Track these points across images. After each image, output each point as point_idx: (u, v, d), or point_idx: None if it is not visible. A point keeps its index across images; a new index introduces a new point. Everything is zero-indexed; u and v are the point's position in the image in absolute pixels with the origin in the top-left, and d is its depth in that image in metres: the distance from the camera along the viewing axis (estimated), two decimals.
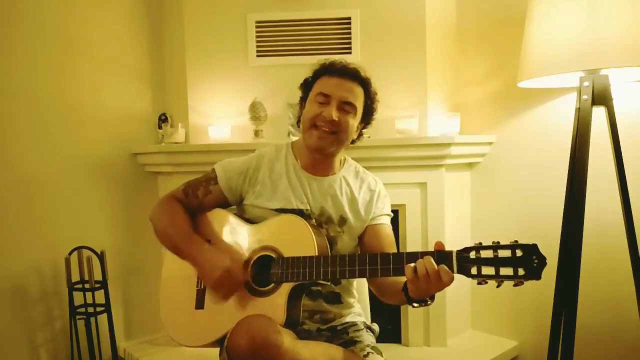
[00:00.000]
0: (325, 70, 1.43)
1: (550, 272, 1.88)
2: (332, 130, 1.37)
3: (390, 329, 2.23)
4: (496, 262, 1.04)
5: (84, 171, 2.23)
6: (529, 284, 2.24)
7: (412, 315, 2.19)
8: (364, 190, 1.48)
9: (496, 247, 1.05)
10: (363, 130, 1.51)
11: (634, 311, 1.71)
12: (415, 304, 1.19)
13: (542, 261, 1.02)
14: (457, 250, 1.09)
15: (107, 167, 2.29)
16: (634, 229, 1.66)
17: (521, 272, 1.03)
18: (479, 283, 1.08)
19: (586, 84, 1.64)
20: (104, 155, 2.28)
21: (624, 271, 1.77)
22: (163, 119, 2.35)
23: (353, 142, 1.49)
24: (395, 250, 1.45)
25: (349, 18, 2.19)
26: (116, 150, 2.31)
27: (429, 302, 1.18)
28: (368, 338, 1.43)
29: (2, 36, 2.01)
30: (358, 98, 1.41)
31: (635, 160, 1.82)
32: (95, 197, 2.26)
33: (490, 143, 2.25)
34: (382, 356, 1.34)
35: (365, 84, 1.43)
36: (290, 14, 2.20)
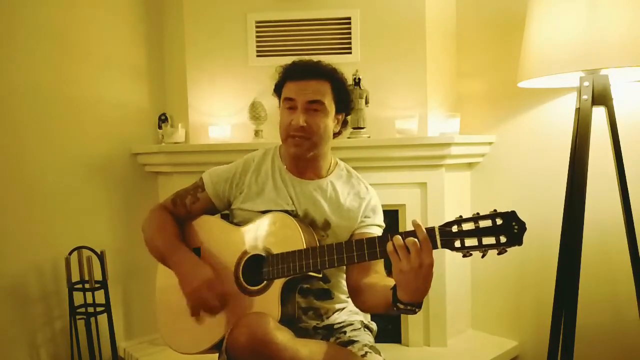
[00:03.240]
0: (288, 75, 1.42)
1: (550, 272, 1.89)
2: (304, 136, 1.37)
3: (390, 328, 2.23)
4: (478, 232, 1.05)
5: (84, 171, 2.23)
6: (529, 284, 2.24)
7: (412, 315, 2.18)
8: (351, 196, 1.46)
9: (476, 218, 1.06)
10: (347, 117, 1.50)
11: (634, 311, 1.71)
12: (400, 305, 1.15)
13: (522, 227, 1.03)
14: (439, 226, 1.09)
15: (107, 167, 2.29)
16: (634, 229, 1.66)
17: (503, 239, 1.04)
18: (464, 255, 1.08)
19: (586, 84, 1.64)
20: (104, 155, 2.28)
21: (624, 271, 1.77)
22: (163, 119, 2.35)
23: (339, 133, 1.48)
24: (383, 265, 1.43)
25: (349, 18, 2.19)
26: (116, 150, 2.31)
27: (415, 310, 1.15)
28: (366, 337, 1.43)
29: (0, 36, 2.01)
30: (325, 94, 1.38)
31: (635, 160, 1.82)
32: (95, 197, 2.26)
33: (490, 143, 2.25)
34: (380, 355, 1.34)
35: (329, 75, 1.41)
36: (290, 14, 2.20)
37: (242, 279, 1.36)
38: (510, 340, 2.25)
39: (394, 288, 1.16)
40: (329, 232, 1.43)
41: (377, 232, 1.45)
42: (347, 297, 1.53)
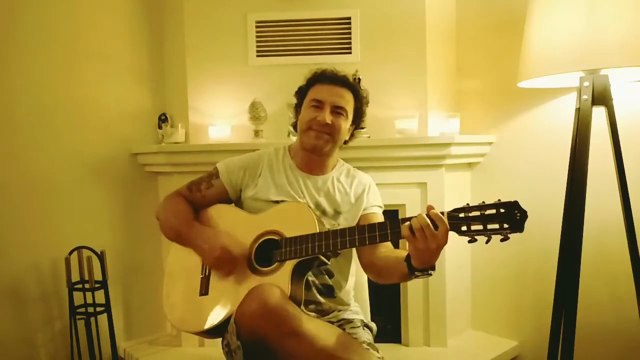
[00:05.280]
0: (318, 79, 1.55)
1: (550, 272, 1.89)
2: (326, 132, 1.49)
3: (390, 328, 2.23)
4: (483, 218, 1.13)
5: (84, 171, 2.23)
6: (529, 284, 2.24)
7: (412, 315, 2.19)
8: (355, 185, 1.58)
9: (482, 206, 1.14)
10: (355, 132, 1.63)
11: (634, 311, 1.71)
12: (417, 273, 1.22)
13: (524, 215, 1.11)
14: (448, 211, 1.17)
15: (107, 167, 2.29)
16: (634, 229, 1.66)
17: (506, 225, 1.11)
18: (469, 241, 1.15)
19: (586, 84, 1.64)
20: (104, 155, 2.28)
21: (624, 271, 1.77)
22: (163, 119, 2.35)
23: (345, 142, 1.61)
24: None
25: (349, 18, 2.19)
26: (116, 150, 2.31)
27: (430, 272, 1.22)
28: (365, 335, 1.45)
29: (2, 37, 2.01)
30: (348, 102, 1.53)
31: (635, 160, 1.82)
32: (95, 197, 2.26)
33: (490, 143, 2.25)
34: (378, 353, 1.34)
35: (354, 89, 1.55)
36: (290, 14, 2.20)
37: (254, 261, 1.39)
38: (510, 340, 2.25)
39: (408, 260, 1.23)
40: (340, 220, 1.51)
41: (378, 211, 1.58)
42: (349, 300, 1.56)
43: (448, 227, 1.13)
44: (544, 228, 2.00)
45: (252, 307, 1.16)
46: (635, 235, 1.67)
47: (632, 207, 1.66)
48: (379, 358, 1.32)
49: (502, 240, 1.12)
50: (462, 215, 1.15)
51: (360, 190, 1.56)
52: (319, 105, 1.49)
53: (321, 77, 1.54)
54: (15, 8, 2.03)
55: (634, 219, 1.66)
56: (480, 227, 1.13)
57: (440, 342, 2.18)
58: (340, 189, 1.55)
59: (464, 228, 1.14)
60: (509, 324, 2.27)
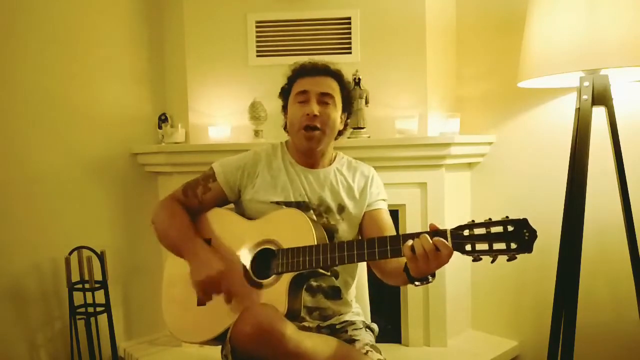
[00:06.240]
0: (298, 73, 1.51)
1: (550, 272, 1.89)
2: (317, 127, 1.43)
3: (390, 329, 2.23)
4: (489, 237, 1.07)
5: (84, 171, 2.23)
6: (529, 284, 2.24)
7: (412, 315, 2.19)
8: (358, 177, 1.54)
9: (488, 223, 1.08)
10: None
11: (634, 311, 1.71)
12: (417, 283, 1.20)
13: (533, 234, 1.05)
14: (451, 229, 1.11)
15: (107, 167, 2.29)
16: (634, 229, 1.66)
17: (513, 245, 1.05)
18: (474, 260, 1.10)
19: (586, 84, 1.64)
20: (104, 155, 2.28)
21: (624, 271, 1.77)
22: (163, 119, 2.35)
23: (340, 133, 1.56)
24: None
25: (349, 18, 2.19)
26: (116, 150, 2.31)
27: (430, 280, 1.20)
28: (367, 337, 1.44)
29: (2, 37, 2.01)
30: (334, 89, 1.48)
31: (635, 160, 1.82)
32: (95, 197, 2.26)
33: (490, 143, 2.25)
34: (380, 355, 1.34)
35: (337, 76, 1.51)
36: (290, 14, 2.20)
37: (251, 271, 1.36)
38: (510, 340, 2.25)
39: (407, 270, 1.21)
40: (344, 215, 1.47)
41: (383, 206, 1.53)
42: (353, 301, 1.56)
43: (452, 250, 1.09)
44: (544, 228, 1.99)
45: (246, 330, 1.13)
46: (635, 235, 1.67)
47: (632, 207, 1.66)
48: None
49: (508, 260, 1.06)
50: (466, 233, 1.09)
51: (363, 182, 1.52)
52: (304, 98, 1.45)
53: (301, 71, 1.50)
54: (15, 8, 2.03)
55: (634, 219, 1.66)
56: (486, 246, 1.07)
57: (440, 342, 2.18)
58: (343, 182, 1.51)
59: (468, 247, 1.09)
60: (509, 324, 2.27)
